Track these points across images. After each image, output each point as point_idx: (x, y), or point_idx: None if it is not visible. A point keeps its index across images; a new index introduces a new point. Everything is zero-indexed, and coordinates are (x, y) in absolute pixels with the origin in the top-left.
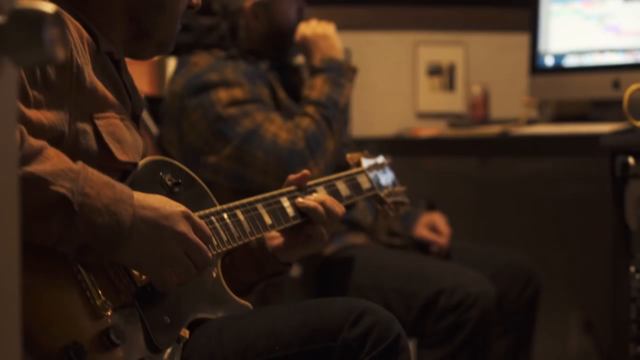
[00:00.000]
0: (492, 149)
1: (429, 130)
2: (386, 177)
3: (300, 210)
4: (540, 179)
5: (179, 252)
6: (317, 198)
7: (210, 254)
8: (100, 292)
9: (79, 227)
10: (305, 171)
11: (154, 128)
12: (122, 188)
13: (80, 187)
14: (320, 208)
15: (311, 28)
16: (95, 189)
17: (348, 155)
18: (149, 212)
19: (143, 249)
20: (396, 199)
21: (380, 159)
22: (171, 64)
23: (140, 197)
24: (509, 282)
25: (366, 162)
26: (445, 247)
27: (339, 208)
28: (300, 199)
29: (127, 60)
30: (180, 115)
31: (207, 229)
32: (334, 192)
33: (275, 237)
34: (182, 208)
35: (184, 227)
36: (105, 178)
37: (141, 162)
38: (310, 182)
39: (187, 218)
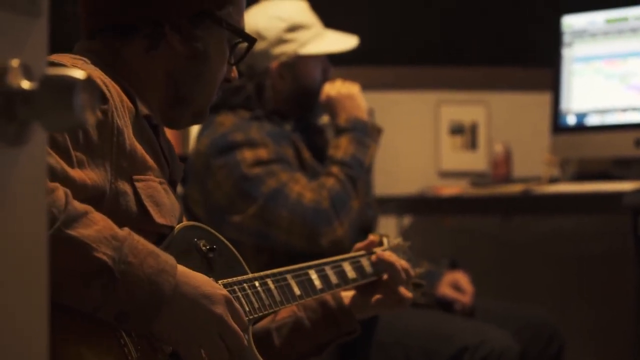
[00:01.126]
0: (515, 208)
1: (451, 189)
2: (407, 259)
3: (357, 275)
4: (563, 237)
5: (214, 334)
6: (391, 255)
7: (245, 342)
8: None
9: (119, 294)
10: (372, 237)
11: (179, 188)
12: (166, 258)
13: (123, 255)
14: (399, 266)
15: (336, 88)
16: (139, 257)
17: (371, 236)
18: (190, 289)
19: (179, 323)
20: (415, 281)
21: (401, 241)
22: None
23: (185, 271)
24: (532, 339)
25: (388, 242)
26: (468, 305)
27: (406, 265)
28: (375, 256)
29: None
30: (206, 174)
31: (244, 317)
32: (358, 268)
33: (348, 296)
34: (224, 292)
35: (221, 310)
36: (151, 247)
37: (177, 227)
38: (334, 258)
39: (227, 302)
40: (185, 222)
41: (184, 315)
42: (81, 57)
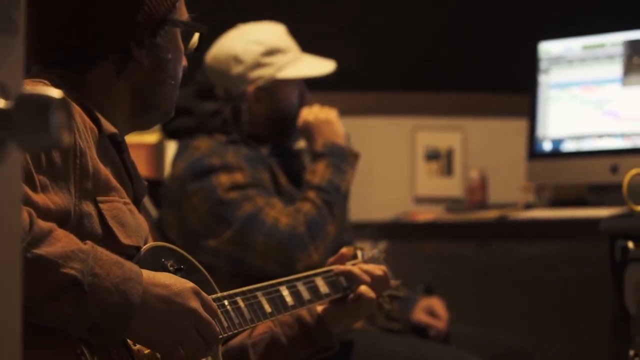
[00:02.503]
0: (490, 234)
1: (426, 214)
2: None
3: (326, 290)
4: (539, 263)
5: (190, 329)
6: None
7: (218, 329)
8: None
9: (90, 307)
10: (343, 250)
11: (153, 211)
12: (130, 266)
13: (90, 267)
14: (357, 270)
15: (314, 113)
16: (105, 268)
17: (344, 249)
18: (160, 290)
19: (155, 326)
20: (391, 293)
21: (376, 253)
22: (171, 147)
23: (150, 274)
24: None
25: (362, 255)
26: (443, 331)
27: (378, 270)
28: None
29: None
30: (181, 198)
31: (213, 304)
32: (331, 283)
33: (322, 309)
34: (191, 284)
35: (194, 304)
36: (114, 257)
37: (144, 248)
38: (308, 272)
39: (197, 294)
40: (152, 243)
41: (160, 317)
42: (41, 80)
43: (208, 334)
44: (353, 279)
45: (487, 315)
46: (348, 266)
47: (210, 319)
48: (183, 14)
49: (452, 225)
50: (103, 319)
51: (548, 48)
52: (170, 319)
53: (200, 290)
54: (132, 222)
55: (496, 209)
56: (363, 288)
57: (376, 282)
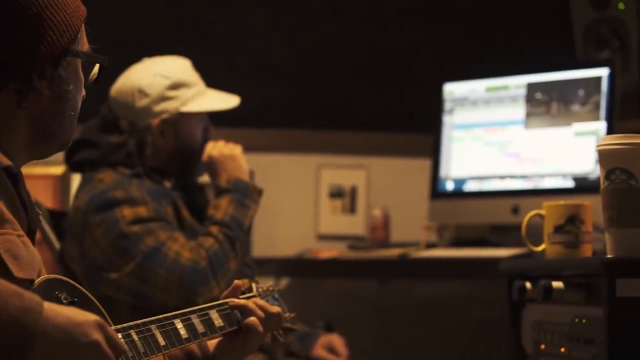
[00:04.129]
0: (391, 272)
1: (328, 252)
2: (277, 304)
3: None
4: (440, 302)
5: None
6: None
7: None
8: None
9: None
10: (237, 282)
11: (56, 243)
12: (30, 296)
13: None
14: (252, 304)
15: (218, 148)
16: (3, 299)
17: (238, 282)
18: (61, 320)
19: (55, 357)
20: (286, 326)
21: (271, 286)
22: (76, 179)
23: (52, 306)
24: None
25: (257, 288)
26: None
27: (273, 308)
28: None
29: (30, 174)
30: (84, 231)
31: (119, 340)
32: (226, 316)
33: (214, 343)
34: (96, 318)
35: (97, 336)
36: (13, 287)
37: (37, 280)
38: (203, 305)
39: (101, 327)
40: (45, 275)
41: (59, 348)
42: None
43: None
44: (248, 314)
45: (387, 353)
46: (243, 300)
47: (112, 355)
48: (84, 45)
49: (354, 262)
50: (1, 352)
51: (452, 89)
52: (70, 349)
53: (106, 324)
54: (26, 255)
55: (398, 248)
56: (251, 320)
57: (270, 319)
